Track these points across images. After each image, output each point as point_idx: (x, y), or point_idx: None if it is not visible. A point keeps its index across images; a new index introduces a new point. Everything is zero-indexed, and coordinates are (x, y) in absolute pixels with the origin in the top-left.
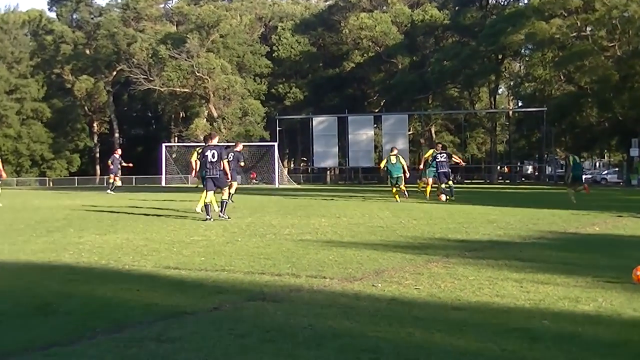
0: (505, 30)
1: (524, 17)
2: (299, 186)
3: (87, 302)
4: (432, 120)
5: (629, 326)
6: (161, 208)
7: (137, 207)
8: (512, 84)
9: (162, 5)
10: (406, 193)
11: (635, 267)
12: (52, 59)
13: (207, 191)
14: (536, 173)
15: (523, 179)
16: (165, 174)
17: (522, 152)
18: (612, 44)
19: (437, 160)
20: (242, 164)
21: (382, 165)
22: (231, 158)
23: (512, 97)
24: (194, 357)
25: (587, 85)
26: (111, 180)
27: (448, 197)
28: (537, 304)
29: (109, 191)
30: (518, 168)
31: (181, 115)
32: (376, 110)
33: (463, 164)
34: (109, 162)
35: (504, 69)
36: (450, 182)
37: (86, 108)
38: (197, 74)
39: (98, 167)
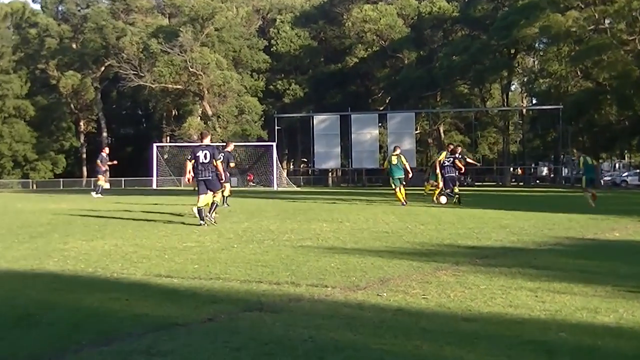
0: (518, 22)
1: (538, 9)
2: (298, 189)
3: (72, 313)
4: (441, 119)
5: None
6: (152, 212)
7: (126, 211)
8: (525, 80)
9: None
10: (404, 201)
11: None
12: (36, 54)
13: (199, 195)
14: (551, 175)
15: (537, 181)
16: (157, 176)
17: (536, 153)
18: (632, 38)
19: (444, 164)
20: (232, 164)
21: (385, 165)
22: (221, 158)
23: (525, 94)
24: None
25: (605, 82)
26: (99, 183)
27: (448, 201)
28: (554, 314)
29: (95, 194)
30: (532, 170)
31: (173, 113)
32: (381, 108)
33: (477, 164)
34: (98, 161)
35: (516, 64)
36: (456, 189)
37: (72, 106)
38: (191, 70)
39: (85, 169)
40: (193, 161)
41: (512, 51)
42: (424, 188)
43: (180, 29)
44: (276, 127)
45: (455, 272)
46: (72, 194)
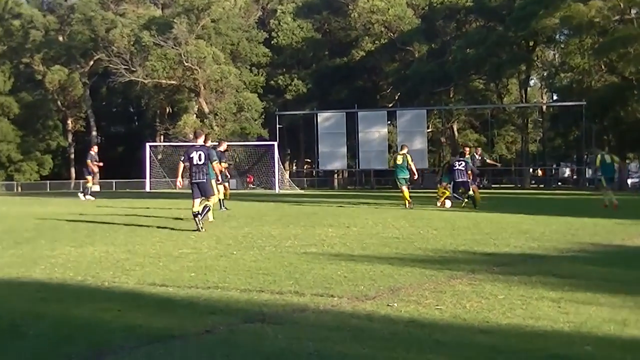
0: (537, 13)
1: None
2: (302, 191)
3: (60, 324)
4: (454, 117)
5: None
6: (145, 216)
7: (117, 215)
8: (545, 74)
9: None
10: (408, 204)
11: None
12: (20, 47)
13: (193, 199)
14: (574, 176)
15: (559, 183)
16: (150, 178)
17: (557, 153)
18: None
19: (454, 167)
20: (225, 165)
21: (391, 164)
22: (217, 160)
23: (545, 90)
24: None
25: (632, 76)
26: (89, 185)
27: (453, 204)
28: (578, 327)
29: (83, 196)
30: (553, 171)
31: (167, 110)
32: (390, 105)
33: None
34: (88, 161)
35: (536, 58)
36: (470, 192)
37: (59, 103)
38: (186, 64)
39: (73, 170)
40: (187, 163)
41: (531, 43)
42: (436, 191)
43: (174, 20)
44: (277, 126)
45: (471, 280)
46: (59, 197)
